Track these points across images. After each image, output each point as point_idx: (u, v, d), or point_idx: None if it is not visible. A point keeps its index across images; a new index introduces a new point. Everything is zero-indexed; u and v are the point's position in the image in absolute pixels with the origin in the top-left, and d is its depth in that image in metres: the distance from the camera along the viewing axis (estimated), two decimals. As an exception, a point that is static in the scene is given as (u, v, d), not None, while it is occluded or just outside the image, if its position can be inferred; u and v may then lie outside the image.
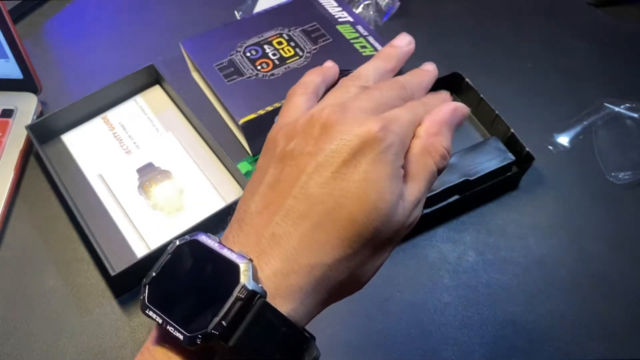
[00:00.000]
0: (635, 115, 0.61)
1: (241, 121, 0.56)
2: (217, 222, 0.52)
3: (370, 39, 0.63)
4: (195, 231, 0.28)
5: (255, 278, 0.26)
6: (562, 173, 0.58)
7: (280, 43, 0.63)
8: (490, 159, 0.55)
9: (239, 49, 0.62)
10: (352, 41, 0.62)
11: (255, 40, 0.63)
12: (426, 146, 0.30)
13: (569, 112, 0.62)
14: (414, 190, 0.29)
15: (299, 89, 0.33)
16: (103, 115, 0.61)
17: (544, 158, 0.58)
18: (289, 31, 0.64)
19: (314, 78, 0.34)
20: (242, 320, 0.25)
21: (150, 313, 0.27)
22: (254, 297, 0.25)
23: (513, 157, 0.55)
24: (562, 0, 0.73)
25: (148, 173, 0.57)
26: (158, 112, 0.62)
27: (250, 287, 0.25)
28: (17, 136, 0.59)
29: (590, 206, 0.56)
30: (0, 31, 0.56)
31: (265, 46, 0.62)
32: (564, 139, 0.60)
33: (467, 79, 0.60)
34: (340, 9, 0.66)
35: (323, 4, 0.67)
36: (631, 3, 0.73)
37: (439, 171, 0.30)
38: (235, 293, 0.25)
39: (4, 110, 0.61)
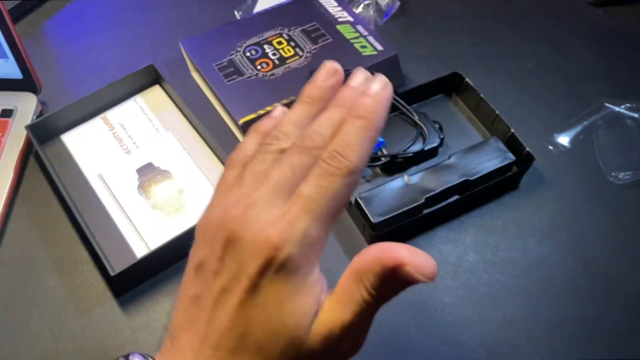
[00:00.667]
0: (636, 115, 0.61)
1: (241, 121, 0.56)
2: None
3: (371, 38, 0.63)
4: (132, 352, 0.29)
5: None
6: (562, 173, 0.58)
7: (280, 43, 0.63)
8: (491, 159, 0.55)
9: (238, 49, 0.62)
10: (352, 41, 0.62)
11: (255, 40, 0.63)
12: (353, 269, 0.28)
13: (569, 112, 0.62)
14: (336, 314, 0.27)
15: (231, 160, 0.32)
16: (103, 115, 0.61)
17: (544, 158, 0.58)
18: (289, 31, 0.64)
19: (251, 141, 0.32)
20: None
21: None
22: None
23: (513, 157, 0.55)
24: (562, 0, 0.73)
25: (148, 173, 0.57)
26: (158, 112, 0.62)
27: None
28: (16, 136, 0.59)
29: (590, 206, 0.56)
30: (0, 31, 0.56)
31: (265, 46, 0.62)
32: (564, 139, 0.60)
33: (467, 79, 0.60)
34: (340, 8, 0.66)
35: (323, 4, 0.67)
36: (631, 3, 0.73)
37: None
38: None
39: (4, 110, 0.61)
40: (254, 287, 0.26)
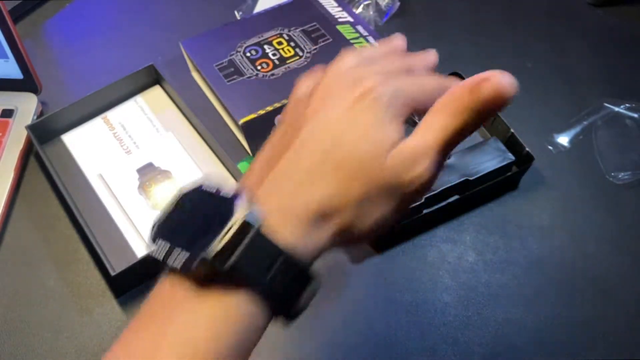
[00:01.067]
0: (635, 115, 0.61)
1: (241, 121, 0.56)
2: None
3: (370, 39, 0.63)
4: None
5: (252, 210, 0.27)
6: (562, 173, 0.58)
7: (280, 43, 0.63)
8: (490, 159, 0.55)
9: (239, 49, 0.62)
10: (352, 41, 0.62)
11: (255, 40, 0.63)
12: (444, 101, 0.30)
13: (569, 112, 0.62)
14: (415, 141, 0.29)
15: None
16: (103, 115, 0.61)
17: (543, 158, 0.58)
18: (289, 31, 0.64)
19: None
20: (237, 248, 0.26)
21: (160, 241, 0.28)
22: (249, 226, 0.26)
23: (513, 157, 0.55)
24: (562, 0, 0.73)
25: (148, 173, 0.57)
26: (158, 112, 0.62)
27: (244, 215, 0.26)
28: (17, 136, 0.59)
29: (590, 206, 0.56)
30: (0, 31, 0.56)
31: (265, 46, 0.62)
32: (563, 139, 0.60)
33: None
34: (340, 9, 0.66)
35: (323, 4, 0.67)
36: (631, 3, 0.73)
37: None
38: (230, 222, 0.26)
39: (4, 110, 0.61)
40: (350, 108, 0.29)
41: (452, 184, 0.53)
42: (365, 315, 0.50)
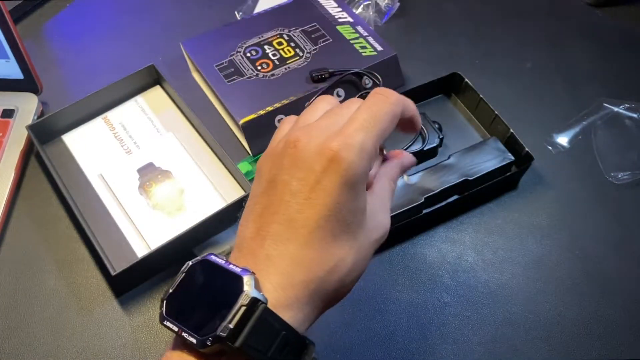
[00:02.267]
0: (635, 115, 0.61)
1: (241, 121, 0.56)
2: (218, 222, 0.53)
3: (370, 39, 0.63)
4: (207, 253, 0.32)
5: (257, 288, 0.29)
6: (561, 173, 0.58)
7: (280, 43, 0.63)
8: (490, 159, 0.55)
9: (239, 50, 0.62)
10: (352, 42, 0.63)
11: (255, 40, 0.63)
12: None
13: (569, 112, 0.62)
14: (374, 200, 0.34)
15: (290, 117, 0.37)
16: (104, 115, 0.61)
17: (543, 158, 0.58)
18: (289, 31, 0.64)
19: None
20: (246, 324, 0.28)
21: (168, 324, 0.30)
22: (256, 303, 0.28)
23: (512, 157, 0.55)
24: (562, 0, 0.73)
25: (148, 173, 0.57)
26: (158, 112, 0.62)
27: (252, 295, 0.28)
28: (17, 136, 0.59)
29: (589, 206, 0.56)
30: (1, 31, 0.57)
31: (266, 46, 0.63)
32: (563, 139, 0.60)
33: (466, 79, 0.60)
34: (340, 9, 0.66)
35: (323, 4, 0.67)
36: (631, 3, 0.73)
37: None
38: (240, 300, 0.28)
39: (5, 111, 0.61)
40: (318, 182, 0.31)
41: (452, 184, 0.53)
42: (365, 315, 0.50)
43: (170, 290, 0.31)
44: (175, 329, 0.29)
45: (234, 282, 0.29)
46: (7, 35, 0.57)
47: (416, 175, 0.54)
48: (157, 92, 0.63)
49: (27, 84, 0.61)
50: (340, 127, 0.32)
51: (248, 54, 0.62)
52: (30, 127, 0.57)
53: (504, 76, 0.66)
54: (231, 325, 0.28)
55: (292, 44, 0.63)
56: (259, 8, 0.71)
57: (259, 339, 0.29)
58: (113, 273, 0.48)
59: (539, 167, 0.58)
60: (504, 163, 0.55)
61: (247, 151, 0.60)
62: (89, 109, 0.61)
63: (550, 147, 0.60)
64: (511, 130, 0.56)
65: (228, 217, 0.53)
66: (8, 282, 0.52)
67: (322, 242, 0.31)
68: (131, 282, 0.51)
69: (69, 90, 0.65)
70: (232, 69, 0.61)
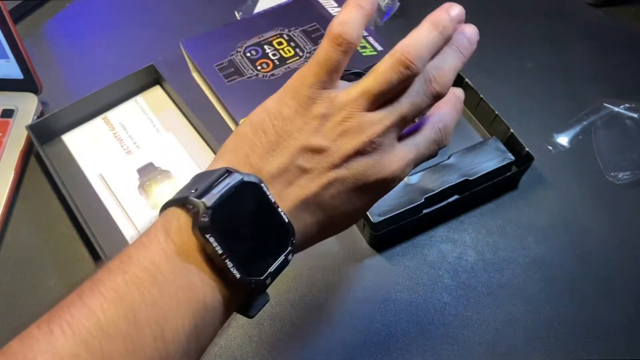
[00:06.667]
0: (635, 115, 0.61)
1: (241, 121, 0.56)
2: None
3: (370, 39, 0.63)
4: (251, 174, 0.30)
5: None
6: (561, 173, 0.58)
7: (280, 43, 0.63)
8: (490, 159, 0.55)
9: (239, 49, 0.62)
10: (352, 41, 0.62)
11: (255, 40, 0.63)
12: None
13: (569, 112, 0.62)
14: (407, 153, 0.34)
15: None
16: (103, 115, 0.61)
17: (543, 158, 0.58)
18: (289, 31, 0.64)
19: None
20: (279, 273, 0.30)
21: (212, 239, 0.27)
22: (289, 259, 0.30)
23: (513, 157, 0.55)
24: (562, 0, 0.73)
25: (148, 173, 0.57)
26: (158, 112, 0.62)
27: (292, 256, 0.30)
28: (17, 136, 0.59)
29: (589, 206, 0.56)
30: (0, 31, 0.57)
31: (266, 46, 0.63)
32: (563, 139, 0.60)
33: (467, 79, 0.60)
34: (340, 9, 0.66)
35: (323, 4, 0.67)
36: (631, 3, 0.73)
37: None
38: (284, 254, 0.30)
39: (5, 111, 0.61)
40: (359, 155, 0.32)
41: (452, 184, 0.53)
42: (365, 315, 0.50)
43: (217, 200, 0.28)
44: (220, 251, 0.27)
45: (282, 231, 0.29)
46: (7, 35, 0.57)
47: (416, 175, 0.54)
48: (157, 92, 0.63)
49: (27, 84, 0.61)
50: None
51: (248, 54, 0.62)
52: (30, 127, 0.57)
53: (504, 76, 0.66)
54: (272, 277, 0.29)
55: (292, 44, 0.63)
56: (259, 8, 0.71)
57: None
58: (113, 273, 0.48)
59: (539, 167, 0.58)
60: (504, 163, 0.55)
61: (247, 151, 0.60)
62: (88, 109, 0.61)
63: (550, 147, 0.60)
64: (511, 130, 0.56)
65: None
66: (8, 282, 0.52)
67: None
68: (131, 282, 0.51)
69: (69, 90, 0.65)
70: (232, 69, 0.61)
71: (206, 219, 0.27)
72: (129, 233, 0.53)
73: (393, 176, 0.33)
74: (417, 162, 0.34)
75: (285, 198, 0.31)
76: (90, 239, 0.51)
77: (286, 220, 0.30)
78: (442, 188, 0.53)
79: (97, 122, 0.61)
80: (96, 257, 0.52)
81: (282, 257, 0.29)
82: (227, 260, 0.27)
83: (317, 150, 0.31)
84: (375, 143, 0.31)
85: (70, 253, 0.53)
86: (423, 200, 0.52)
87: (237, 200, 0.29)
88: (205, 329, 0.28)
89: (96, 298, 0.27)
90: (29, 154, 0.60)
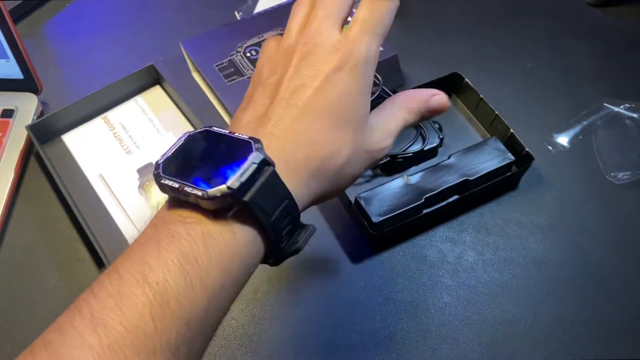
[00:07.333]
0: (635, 115, 0.61)
1: (241, 121, 0.56)
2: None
3: (370, 39, 0.63)
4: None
5: (267, 154, 0.29)
6: (561, 173, 0.58)
7: (280, 43, 0.63)
8: (490, 159, 0.55)
9: (239, 50, 0.62)
10: (352, 41, 0.62)
11: (255, 40, 0.63)
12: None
13: (569, 112, 0.62)
14: (388, 122, 0.37)
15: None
16: (103, 115, 0.61)
17: (543, 158, 0.58)
18: (289, 31, 0.64)
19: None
20: (255, 183, 0.28)
21: (167, 181, 0.29)
22: (265, 164, 0.29)
23: (513, 157, 0.55)
24: (562, 0, 0.73)
25: (148, 173, 0.57)
26: (158, 112, 0.62)
27: (262, 156, 0.29)
28: (17, 136, 0.59)
29: (589, 206, 0.56)
30: (0, 31, 0.57)
31: (265, 46, 0.62)
32: (563, 139, 0.60)
33: (466, 79, 0.60)
34: (340, 9, 0.66)
35: (323, 4, 0.67)
36: (631, 3, 0.73)
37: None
38: (251, 159, 0.28)
39: (5, 111, 0.61)
40: (328, 80, 0.33)
41: (452, 184, 0.53)
42: (365, 315, 0.50)
43: (168, 154, 0.30)
44: (176, 185, 0.28)
45: (242, 147, 0.29)
46: (7, 35, 0.57)
47: (416, 175, 0.54)
48: (157, 92, 0.63)
49: (27, 84, 0.61)
50: (339, 29, 0.34)
51: (248, 54, 0.62)
52: (30, 127, 0.57)
53: (504, 76, 0.66)
54: (242, 179, 0.27)
55: (292, 44, 0.63)
56: (259, 8, 0.71)
57: (263, 199, 0.28)
58: (113, 273, 0.48)
59: (539, 167, 0.58)
60: (504, 163, 0.55)
61: (247, 151, 0.60)
62: (88, 109, 0.61)
63: (550, 147, 0.60)
64: (511, 130, 0.56)
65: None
66: (7, 283, 0.52)
67: (325, 127, 0.32)
68: (131, 282, 0.51)
69: (69, 90, 0.65)
70: (232, 69, 0.61)
71: (157, 171, 0.29)
72: (129, 233, 0.53)
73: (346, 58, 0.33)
74: (374, 33, 0.35)
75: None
76: (90, 239, 0.51)
77: (246, 137, 0.29)
78: (442, 188, 0.53)
79: (97, 122, 0.61)
80: (96, 257, 0.52)
81: (247, 162, 0.28)
82: (186, 188, 0.28)
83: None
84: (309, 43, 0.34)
85: (70, 253, 0.54)
86: (423, 200, 0.52)
87: (189, 148, 0.30)
88: (234, 273, 0.29)
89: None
90: (29, 154, 0.60)
